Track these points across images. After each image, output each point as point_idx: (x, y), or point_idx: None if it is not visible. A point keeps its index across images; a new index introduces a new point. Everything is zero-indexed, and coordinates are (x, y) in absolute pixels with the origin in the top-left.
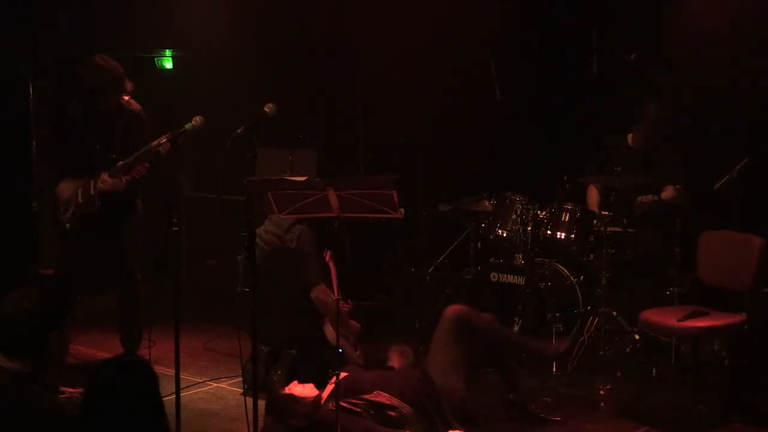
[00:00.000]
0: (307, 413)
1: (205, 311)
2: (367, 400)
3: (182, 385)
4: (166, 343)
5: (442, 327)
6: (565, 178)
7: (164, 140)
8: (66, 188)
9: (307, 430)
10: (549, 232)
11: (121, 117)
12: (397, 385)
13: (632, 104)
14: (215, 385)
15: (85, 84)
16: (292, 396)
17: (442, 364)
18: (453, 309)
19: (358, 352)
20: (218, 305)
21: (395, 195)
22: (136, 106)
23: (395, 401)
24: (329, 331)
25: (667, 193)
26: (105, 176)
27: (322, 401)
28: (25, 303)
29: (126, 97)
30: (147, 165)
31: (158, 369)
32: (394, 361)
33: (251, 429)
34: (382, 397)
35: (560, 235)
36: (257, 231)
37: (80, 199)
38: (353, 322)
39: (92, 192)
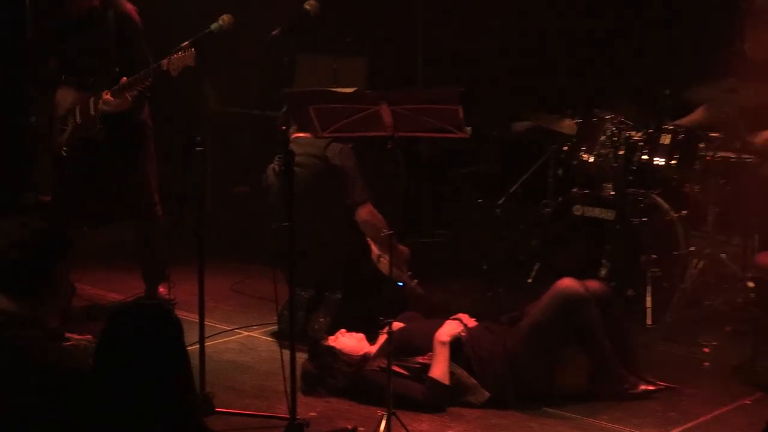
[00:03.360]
0: (348, 373)
1: (234, 247)
2: (421, 363)
3: (207, 333)
4: (187, 285)
5: (546, 306)
6: (667, 92)
7: (177, 55)
8: (64, 98)
9: (345, 391)
10: (645, 157)
11: (109, 19)
12: (469, 344)
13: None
14: (245, 333)
15: None
16: (333, 350)
17: (531, 345)
18: (567, 288)
19: (415, 281)
20: (249, 240)
21: (461, 111)
22: (125, 4)
23: (458, 370)
24: (381, 263)
25: None
26: (107, 95)
27: (371, 357)
28: (24, 233)
29: None
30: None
31: (179, 314)
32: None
33: (288, 385)
34: None
35: (659, 161)
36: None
37: (78, 119)
38: (401, 247)
39: (92, 112)
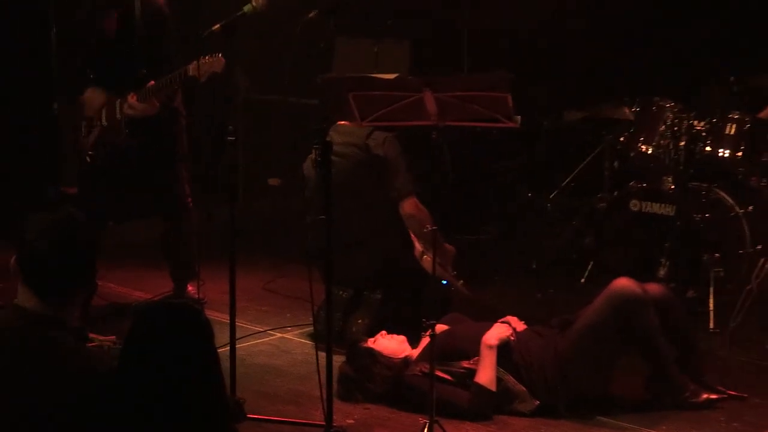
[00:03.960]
0: (388, 377)
1: (267, 244)
2: (467, 368)
3: (238, 334)
4: (218, 283)
5: (601, 307)
6: (732, 78)
7: (204, 60)
8: (92, 98)
9: (384, 396)
10: (708, 148)
11: (136, 14)
12: (518, 349)
13: None
14: (279, 335)
15: None
16: (372, 353)
17: (584, 350)
18: (624, 288)
19: (461, 281)
20: (283, 236)
21: (510, 98)
22: None
23: (506, 376)
24: (425, 261)
25: None
26: (132, 99)
27: (413, 361)
28: (59, 228)
29: None
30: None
31: (209, 314)
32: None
33: (323, 391)
34: None
35: (723, 153)
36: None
37: (104, 121)
38: (447, 245)
39: (118, 116)
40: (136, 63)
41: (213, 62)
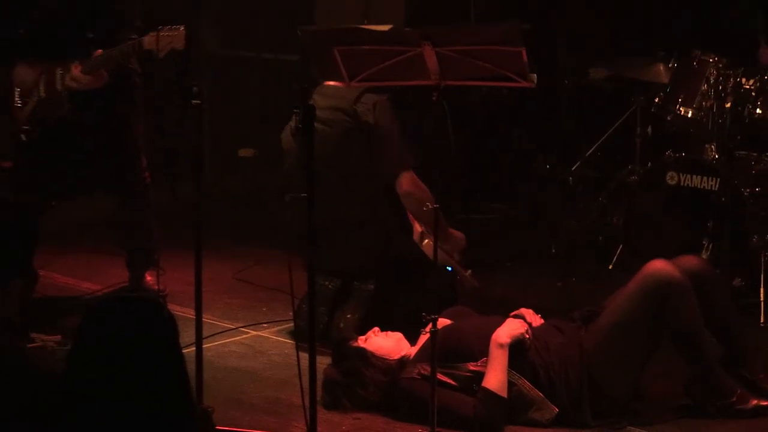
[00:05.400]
0: (382, 382)
1: (239, 226)
2: (473, 371)
3: (206, 332)
4: (181, 273)
5: (632, 296)
6: None
7: (164, 33)
8: (24, 74)
9: (378, 404)
10: (759, 111)
11: None
12: (535, 348)
13: None
14: (253, 333)
15: None
16: (363, 354)
17: (613, 347)
18: (659, 272)
19: (468, 271)
20: (258, 217)
21: (524, 53)
22: None
23: (520, 380)
24: (425, 245)
25: None
26: (76, 71)
27: (410, 362)
28: None
29: None
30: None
31: (172, 309)
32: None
33: (306, 398)
34: None
35: None
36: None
37: (42, 93)
38: (455, 232)
39: (59, 87)
40: (81, 24)
41: (173, 36)
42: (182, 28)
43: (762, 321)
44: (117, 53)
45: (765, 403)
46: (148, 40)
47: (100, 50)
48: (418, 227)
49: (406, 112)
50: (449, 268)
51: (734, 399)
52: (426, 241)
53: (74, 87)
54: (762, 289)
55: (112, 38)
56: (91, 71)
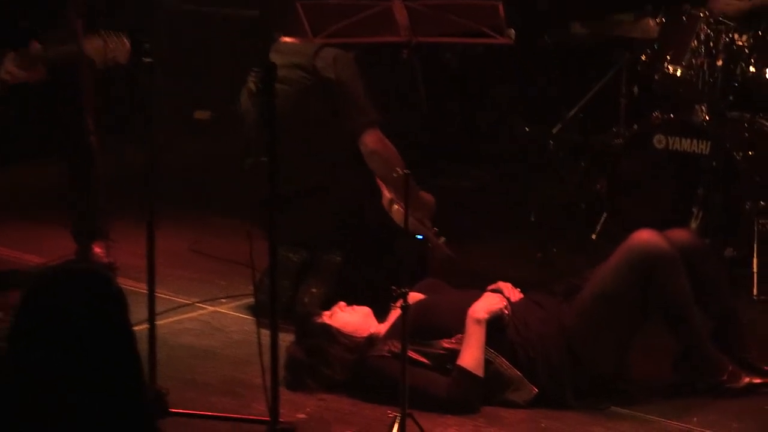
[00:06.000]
0: (349, 361)
1: (195, 194)
2: (448, 348)
3: (159, 308)
4: (132, 244)
5: (617, 268)
6: None
7: (110, 45)
8: None
9: (344, 385)
10: (753, 69)
11: None
12: (513, 324)
13: None
14: (210, 309)
15: None
16: (329, 331)
17: (596, 322)
18: (646, 243)
19: (441, 239)
20: (215, 184)
21: (501, 7)
22: None
23: (497, 358)
24: (395, 212)
25: None
26: (11, 66)
27: (379, 339)
28: None
29: None
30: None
31: (122, 283)
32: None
33: (267, 378)
34: None
35: None
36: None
37: None
38: (425, 194)
39: None
40: (16, 12)
41: (117, 49)
42: (127, 42)
43: (755, 293)
44: (54, 55)
45: (757, 381)
46: (91, 48)
47: (37, 42)
48: (386, 193)
49: (372, 71)
50: (420, 237)
51: (725, 377)
52: (395, 207)
53: (9, 81)
54: (755, 260)
55: (52, 25)
56: (28, 67)
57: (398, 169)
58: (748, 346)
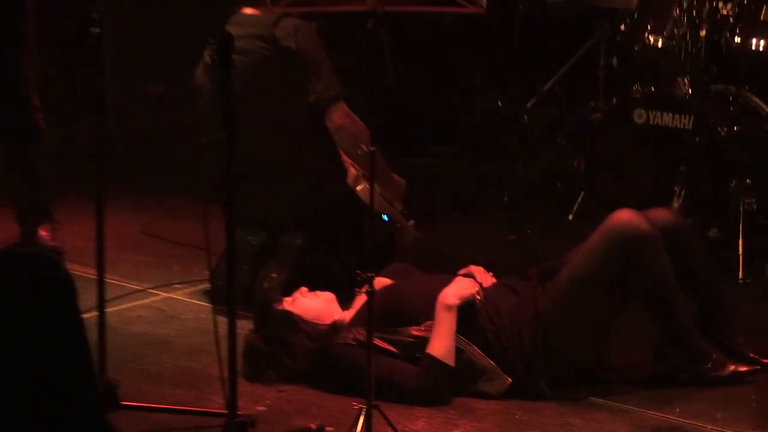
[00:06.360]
0: (312, 350)
1: (147, 173)
2: (416, 336)
3: (109, 294)
4: (81, 226)
5: (595, 251)
6: None
7: None
8: None
9: (306, 375)
10: (737, 39)
11: None
12: (486, 310)
13: None
14: (164, 295)
15: None
16: (290, 318)
17: (573, 307)
18: (625, 224)
19: (411, 222)
20: (168, 162)
21: None
22: None
23: (469, 347)
24: (361, 190)
25: None
26: None
27: (344, 326)
28: None
29: None
30: None
31: (70, 268)
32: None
33: (225, 370)
34: None
35: (758, 45)
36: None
37: None
38: (396, 177)
39: None
40: None
41: None
42: None
43: (740, 277)
44: None
45: (743, 369)
46: None
47: None
48: (353, 170)
49: (335, 42)
50: (386, 217)
51: (709, 365)
52: (362, 185)
53: None
54: (741, 241)
55: None
56: None
57: (363, 146)
58: (733, 332)
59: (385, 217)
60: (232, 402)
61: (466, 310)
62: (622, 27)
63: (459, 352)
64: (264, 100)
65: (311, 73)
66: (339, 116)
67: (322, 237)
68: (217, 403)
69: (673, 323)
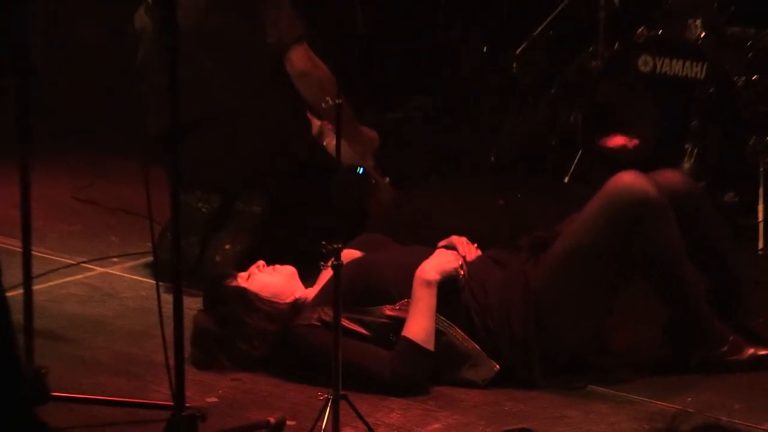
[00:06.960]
0: (270, 332)
1: (79, 129)
2: (390, 317)
3: (37, 269)
4: (2, 191)
5: (594, 218)
6: None
7: None
8: None
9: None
10: None
11: None
12: (470, 287)
13: None
14: (100, 270)
15: None
16: (245, 295)
17: (570, 284)
18: (629, 187)
19: (386, 179)
20: (103, 116)
21: None
22: None
23: (451, 329)
24: (328, 144)
25: None
26: None
27: (307, 305)
28: None
29: None
30: None
31: None
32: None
33: (171, 356)
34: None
35: None
36: None
37: None
38: (367, 129)
39: None
40: None
41: None
42: None
43: (760, 247)
44: None
45: (763, 353)
46: None
47: None
48: (316, 121)
49: None
50: (361, 170)
51: (725, 348)
52: (329, 139)
53: None
54: (761, 206)
55: None
56: None
57: (328, 99)
58: (752, 310)
59: (360, 170)
60: (179, 393)
61: (448, 287)
62: None
63: (439, 334)
64: (216, 41)
65: (269, 9)
66: (300, 60)
67: (283, 201)
68: (161, 394)
69: (683, 301)
